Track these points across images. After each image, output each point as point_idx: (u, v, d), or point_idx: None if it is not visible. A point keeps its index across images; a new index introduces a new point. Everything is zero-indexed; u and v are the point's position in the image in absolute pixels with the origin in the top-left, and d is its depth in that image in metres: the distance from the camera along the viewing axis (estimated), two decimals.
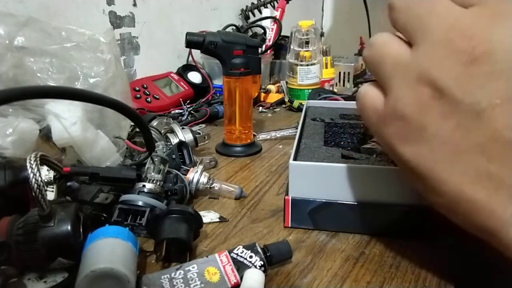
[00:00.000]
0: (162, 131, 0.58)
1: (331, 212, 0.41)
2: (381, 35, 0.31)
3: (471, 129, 0.25)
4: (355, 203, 0.40)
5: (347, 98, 0.87)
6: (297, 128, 0.57)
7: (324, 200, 0.41)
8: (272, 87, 1.00)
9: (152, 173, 0.44)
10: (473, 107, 0.24)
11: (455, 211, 0.27)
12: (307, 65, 0.92)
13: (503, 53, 0.24)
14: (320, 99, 0.83)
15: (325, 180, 0.41)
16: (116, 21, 0.85)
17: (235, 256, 0.34)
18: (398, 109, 0.28)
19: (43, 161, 0.32)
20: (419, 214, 0.38)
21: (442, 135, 0.26)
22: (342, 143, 0.52)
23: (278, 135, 0.72)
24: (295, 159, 0.45)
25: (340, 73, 1.05)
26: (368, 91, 0.31)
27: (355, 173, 0.40)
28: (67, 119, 0.42)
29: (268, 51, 1.03)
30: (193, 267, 0.33)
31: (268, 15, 1.14)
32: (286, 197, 0.42)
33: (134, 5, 0.88)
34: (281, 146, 0.69)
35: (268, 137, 0.72)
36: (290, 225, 0.43)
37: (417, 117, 0.27)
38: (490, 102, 0.24)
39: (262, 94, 0.99)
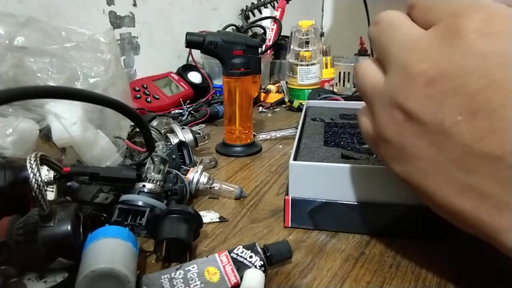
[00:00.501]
0: (162, 131, 0.58)
1: (331, 212, 0.41)
2: (363, 62, 0.33)
3: (442, 146, 0.25)
4: (355, 203, 0.40)
5: (347, 98, 0.87)
6: (297, 128, 0.57)
7: (324, 200, 0.41)
8: (272, 87, 1.00)
9: (152, 173, 0.44)
10: (438, 127, 0.25)
11: (453, 219, 0.28)
12: (307, 65, 0.92)
13: (455, 72, 0.25)
14: (320, 99, 0.83)
15: (325, 180, 0.41)
16: (116, 21, 0.85)
17: (235, 256, 0.34)
18: (381, 132, 0.30)
19: (43, 161, 0.32)
20: (419, 214, 0.38)
21: (419, 153, 0.27)
22: (342, 143, 0.52)
23: (278, 135, 0.72)
24: (295, 159, 0.45)
25: (340, 73, 1.05)
26: (361, 117, 0.34)
27: (355, 173, 0.40)
28: (67, 119, 0.42)
29: (268, 51, 1.03)
30: (193, 267, 0.33)
31: (268, 15, 1.14)
32: (286, 197, 0.42)
33: (134, 5, 0.88)
34: (281, 146, 0.69)
35: (268, 137, 0.72)
36: (290, 225, 0.43)
37: (397, 138, 0.28)
38: (452, 120, 0.24)
39: (262, 94, 0.99)
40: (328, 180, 0.41)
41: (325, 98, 0.83)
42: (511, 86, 0.23)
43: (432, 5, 0.28)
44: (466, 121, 0.24)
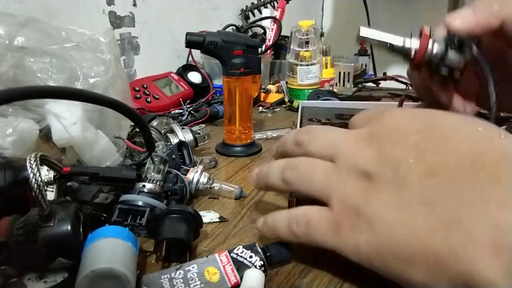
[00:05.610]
0: (162, 131, 0.58)
1: None
2: (300, 159, 0.35)
3: (402, 190, 0.28)
4: None
5: (346, 98, 0.87)
6: (293, 129, 0.57)
7: None
8: (272, 87, 1.00)
9: (152, 173, 0.44)
10: (395, 173, 0.28)
11: (433, 274, 0.26)
12: (307, 65, 0.92)
13: (388, 130, 0.31)
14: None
15: None
16: (116, 21, 0.85)
17: (235, 256, 0.34)
18: (347, 202, 0.30)
19: (43, 161, 0.32)
20: None
21: (383, 207, 0.29)
22: None
23: (274, 135, 0.72)
24: None
25: (340, 73, 1.05)
26: (309, 212, 0.33)
27: None
28: (67, 119, 0.42)
29: (268, 51, 1.03)
30: (193, 267, 0.33)
31: (268, 15, 1.14)
32: (289, 199, 0.42)
33: (134, 5, 0.88)
34: None
35: (264, 136, 0.72)
36: None
37: (360, 201, 0.30)
38: (406, 162, 0.28)
39: (262, 94, 0.99)
40: None
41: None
42: (438, 138, 0.28)
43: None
44: (417, 163, 0.28)
